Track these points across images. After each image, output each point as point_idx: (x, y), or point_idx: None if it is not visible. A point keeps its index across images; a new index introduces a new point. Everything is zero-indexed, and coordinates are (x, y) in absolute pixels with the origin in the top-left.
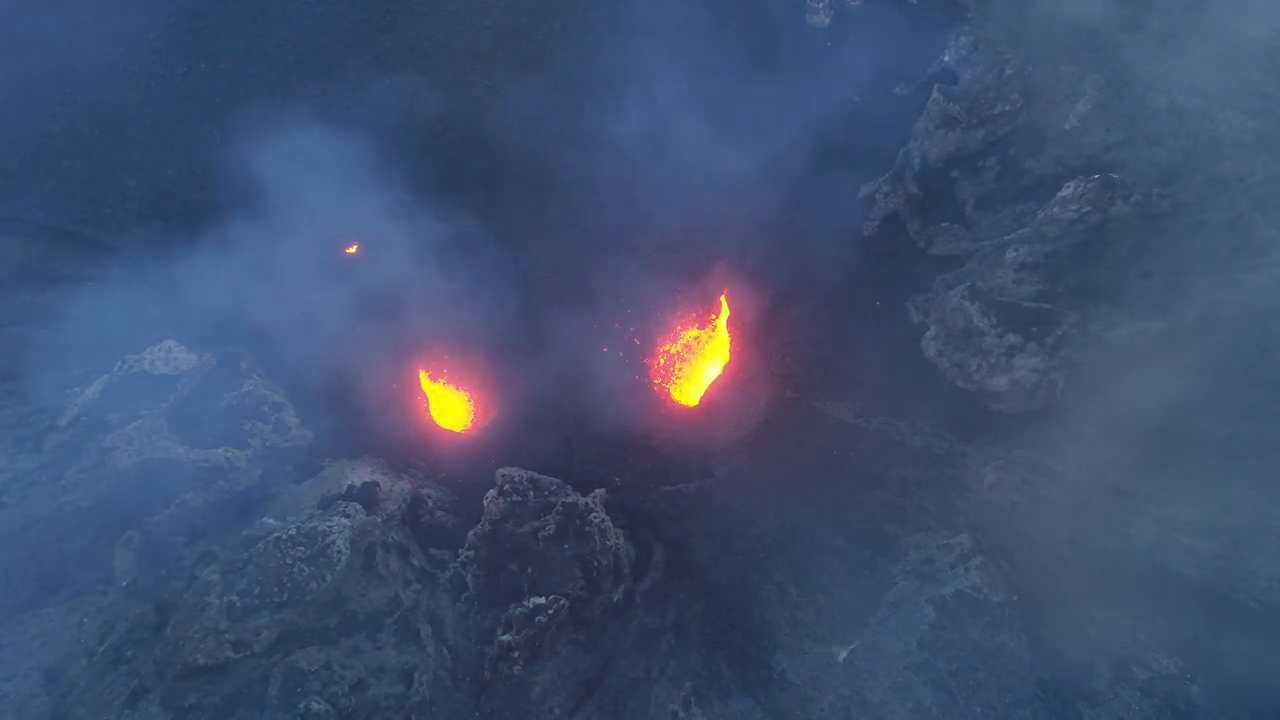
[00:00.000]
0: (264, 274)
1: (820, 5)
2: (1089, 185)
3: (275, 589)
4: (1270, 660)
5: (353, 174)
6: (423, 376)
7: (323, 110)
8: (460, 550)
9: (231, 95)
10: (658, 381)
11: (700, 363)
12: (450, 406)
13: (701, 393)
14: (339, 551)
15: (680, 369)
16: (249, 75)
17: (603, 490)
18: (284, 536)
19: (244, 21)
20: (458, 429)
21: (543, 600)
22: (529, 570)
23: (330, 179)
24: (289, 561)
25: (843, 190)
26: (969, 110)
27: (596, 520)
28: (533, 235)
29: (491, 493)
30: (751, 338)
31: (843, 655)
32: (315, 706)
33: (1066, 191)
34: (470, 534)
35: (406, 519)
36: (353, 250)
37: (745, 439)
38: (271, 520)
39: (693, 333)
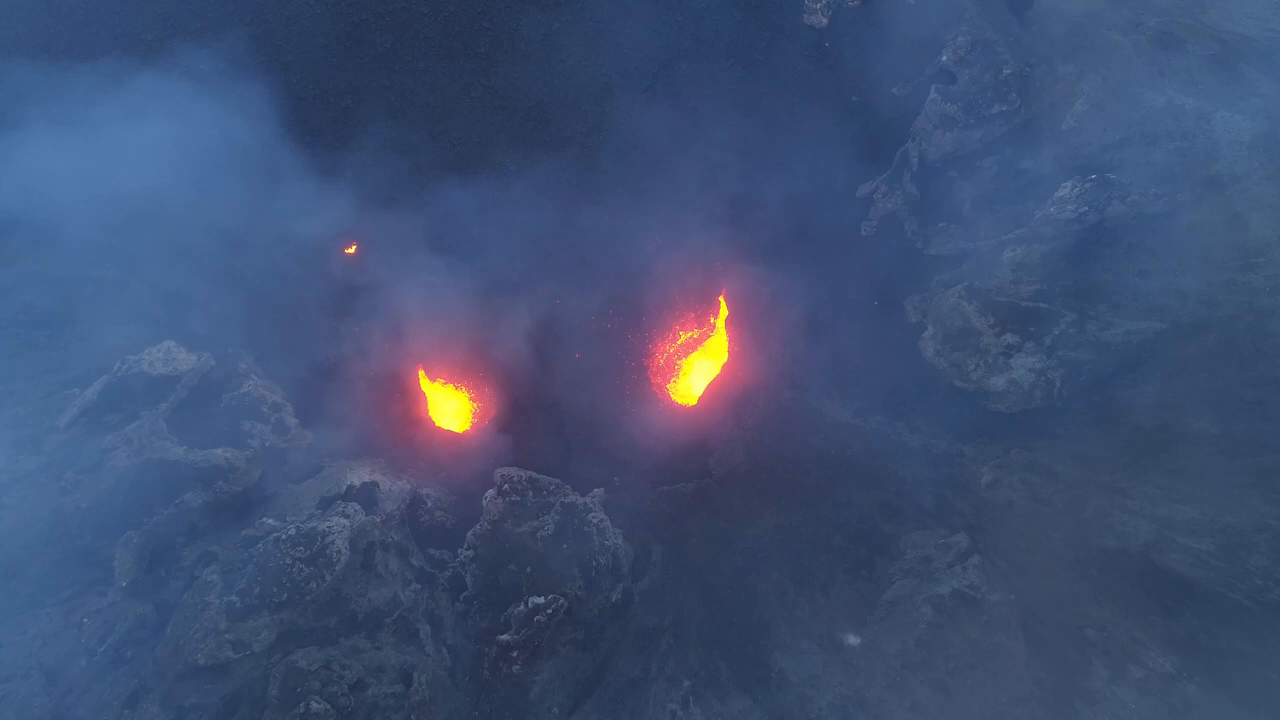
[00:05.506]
0: (263, 273)
1: (818, 5)
2: (1086, 185)
3: (275, 589)
4: (1266, 659)
5: (354, 177)
6: (422, 376)
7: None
8: (459, 550)
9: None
10: (656, 381)
11: (698, 362)
12: (450, 406)
13: (700, 392)
14: (338, 551)
15: (678, 369)
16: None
17: (601, 490)
18: (283, 537)
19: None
20: (457, 429)
21: (541, 600)
22: (528, 570)
23: (325, 183)
24: (288, 561)
25: (841, 190)
26: (966, 110)
27: (595, 520)
28: (527, 233)
29: (490, 492)
30: (750, 338)
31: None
32: (315, 706)
33: (1064, 191)
34: (469, 534)
35: (406, 519)
36: (351, 250)
37: (743, 438)
38: (271, 520)
39: (692, 333)
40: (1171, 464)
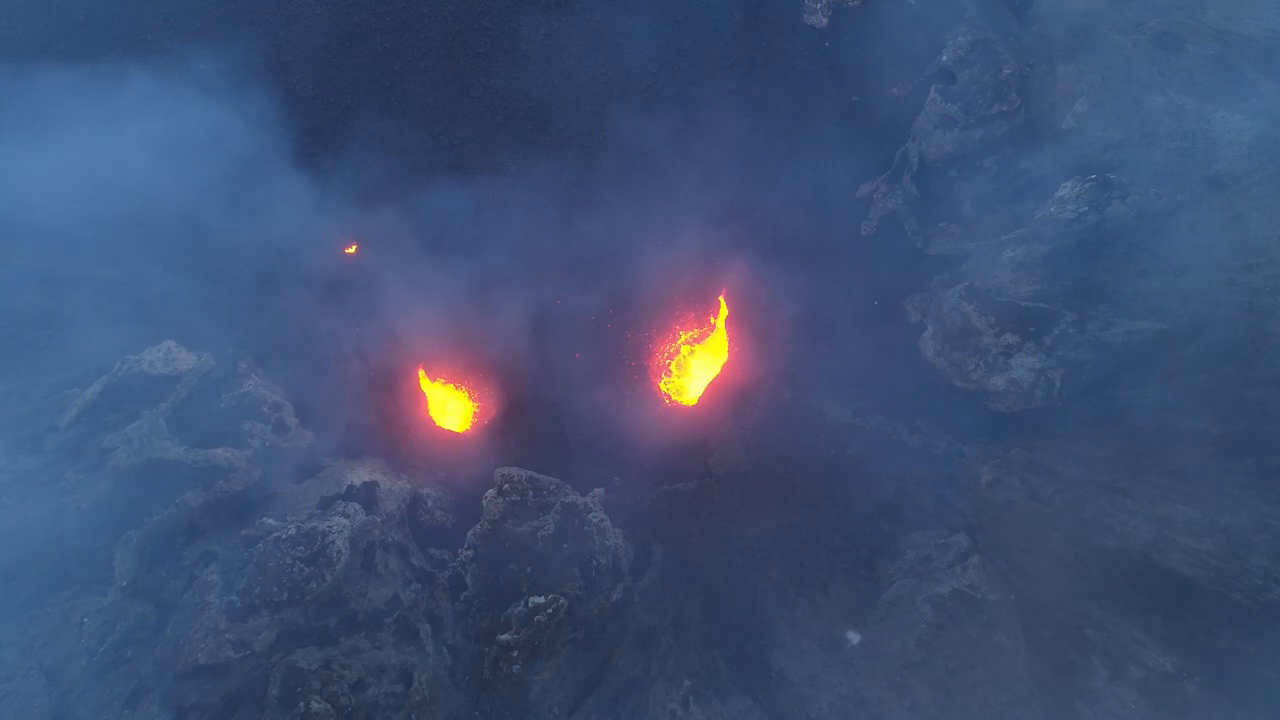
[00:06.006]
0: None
1: (818, 5)
2: (1086, 185)
3: (275, 589)
4: (1266, 659)
5: (354, 176)
6: (422, 376)
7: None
8: (459, 550)
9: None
10: (656, 381)
11: (698, 362)
12: (450, 406)
13: (700, 392)
14: (338, 551)
15: (678, 369)
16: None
17: (601, 490)
18: (284, 536)
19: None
20: (457, 429)
21: (542, 599)
22: (528, 570)
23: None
24: (289, 561)
25: (841, 190)
26: (966, 110)
27: (595, 520)
28: (527, 233)
29: (490, 492)
30: (750, 337)
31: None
32: (315, 706)
33: (1064, 191)
34: (469, 533)
35: (406, 519)
36: (352, 250)
37: (743, 438)
38: (271, 520)
39: (692, 333)
40: (1171, 464)
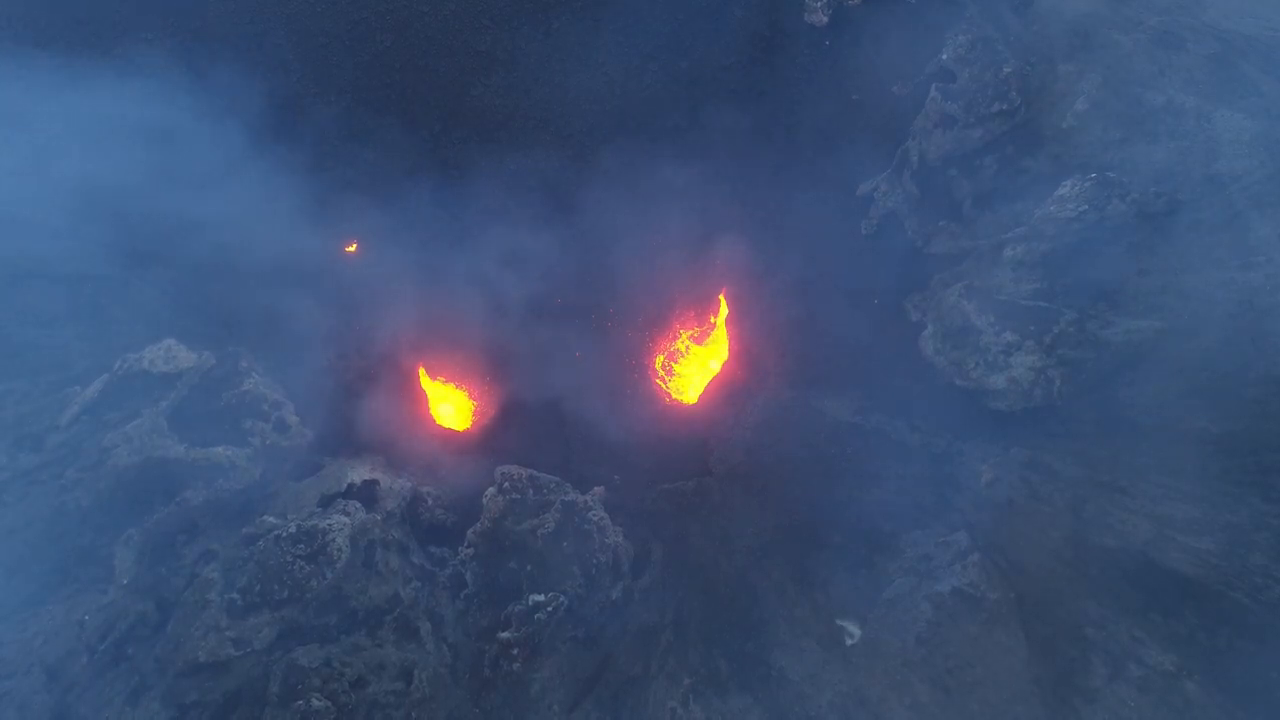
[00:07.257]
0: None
1: (819, 4)
2: (1086, 184)
3: (275, 586)
4: (1266, 657)
5: (354, 175)
6: (422, 374)
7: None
8: (460, 548)
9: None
10: (656, 380)
11: (699, 361)
12: (450, 405)
13: (700, 391)
14: (339, 549)
15: (678, 367)
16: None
17: (601, 488)
18: (284, 534)
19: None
20: (458, 427)
21: (542, 598)
22: (528, 568)
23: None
24: (289, 559)
25: (841, 189)
26: (967, 109)
27: (595, 518)
28: (527, 232)
29: (490, 490)
30: (750, 336)
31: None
32: (316, 703)
33: (1064, 190)
34: (469, 532)
35: (406, 517)
36: (352, 249)
37: (743, 437)
38: (272, 518)
39: (692, 331)
40: (1171, 463)
